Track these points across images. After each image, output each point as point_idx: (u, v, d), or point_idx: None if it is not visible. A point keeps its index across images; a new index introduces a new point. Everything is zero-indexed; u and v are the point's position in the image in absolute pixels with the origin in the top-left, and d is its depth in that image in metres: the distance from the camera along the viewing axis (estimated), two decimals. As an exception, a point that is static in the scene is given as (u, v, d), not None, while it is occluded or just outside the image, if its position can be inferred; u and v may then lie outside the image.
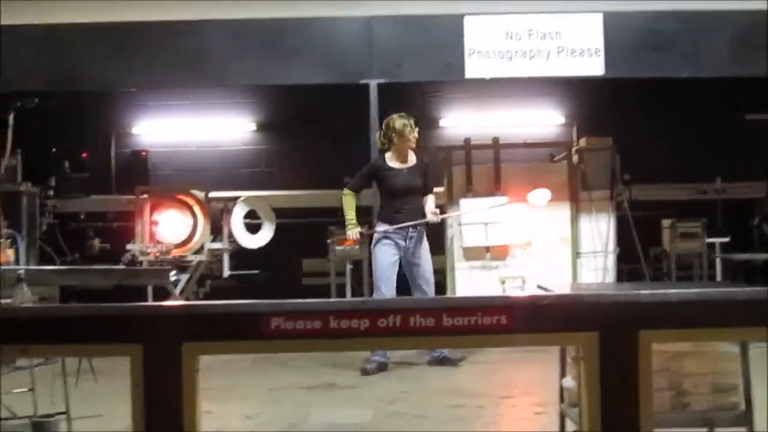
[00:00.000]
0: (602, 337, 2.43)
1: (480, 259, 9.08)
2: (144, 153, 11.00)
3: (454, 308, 2.47)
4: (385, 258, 7.15)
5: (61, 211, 10.61)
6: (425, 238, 7.32)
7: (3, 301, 4.34)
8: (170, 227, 8.95)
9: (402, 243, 7.14)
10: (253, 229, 9.32)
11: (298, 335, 2.50)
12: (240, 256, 9.47)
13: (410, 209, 7.18)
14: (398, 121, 7.20)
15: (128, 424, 5.21)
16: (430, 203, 7.36)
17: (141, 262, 8.85)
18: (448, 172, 9.32)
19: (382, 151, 7.43)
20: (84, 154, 10.71)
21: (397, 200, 7.23)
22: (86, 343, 2.56)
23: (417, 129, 7.31)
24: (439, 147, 9.74)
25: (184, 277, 8.79)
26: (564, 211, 9.04)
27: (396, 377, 6.88)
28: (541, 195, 7.81)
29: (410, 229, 7.14)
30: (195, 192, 9.13)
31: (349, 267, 9.81)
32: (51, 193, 10.42)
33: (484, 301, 2.57)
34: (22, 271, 4.22)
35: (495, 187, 9.07)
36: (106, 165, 11.06)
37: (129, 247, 8.95)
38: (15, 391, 5.00)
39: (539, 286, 4.66)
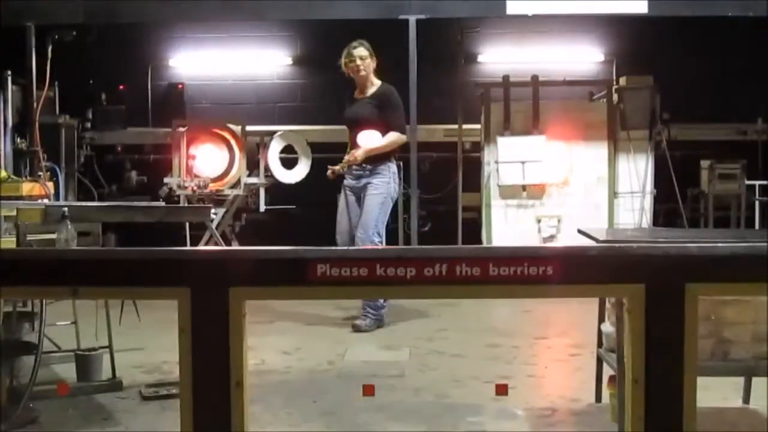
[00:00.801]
0: (649, 290, 2.42)
1: (516, 197, 9.05)
2: (180, 86, 10.98)
3: (501, 258, 2.46)
4: (339, 204, 6.88)
5: (98, 144, 10.68)
6: (378, 179, 6.62)
7: (47, 236, 4.39)
8: (207, 161, 8.96)
9: (352, 183, 6.73)
10: (289, 164, 9.32)
11: (344, 282, 2.50)
12: (276, 190, 9.48)
13: (359, 145, 6.63)
14: (344, 50, 6.78)
15: (169, 356, 5.32)
16: (374, 141, 6.58)
17: (178, 196, 8.90)
18: (486, 109, 9.25)
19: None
20: (121, 87, 10.73)
21: (350, 134, 6.83)
22: (135, 286, 2.58)
23: (367, 57, 6.73)
24: (476, 83, 9.63)
25: (221, 211, 8.83)
26: (602, 150, 8.97)
27: (434, 316, 6.92)
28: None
29: (354, 168, 6.64)
30: (232, 126, 9.12)
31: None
32: (88, 125, 10.49)
33: (531, 251, 2.56)
34: (65, 209, 4.26)
35: (533, 125, 9.00)
36: (142, 97, 11.05)
37: (166, 180, 8.98)
38: (58, 323, 5.10)
39: (580, 231, 4.64)
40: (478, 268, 2.46)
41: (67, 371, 4.97)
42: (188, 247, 2.59)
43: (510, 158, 8.88)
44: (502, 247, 2.49)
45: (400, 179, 7.34)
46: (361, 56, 6.71)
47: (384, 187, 6.61)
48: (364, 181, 6.61)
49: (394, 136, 6.65)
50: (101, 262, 2.55)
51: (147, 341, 5.80)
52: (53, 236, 4.40)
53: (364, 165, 6.59)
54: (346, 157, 6.65)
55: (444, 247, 2.57)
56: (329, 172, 6.81)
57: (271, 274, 2.59)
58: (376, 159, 6.61)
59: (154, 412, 4.45)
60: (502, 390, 2.73)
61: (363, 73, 6.72)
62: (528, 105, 9.09)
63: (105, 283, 2.57)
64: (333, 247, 2.47)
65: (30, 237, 4.52)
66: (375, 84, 6.82)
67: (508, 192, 9.07)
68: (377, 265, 2.52)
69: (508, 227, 9.05)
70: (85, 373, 4.84)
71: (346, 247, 2.46)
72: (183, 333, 2.54)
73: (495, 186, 9.08)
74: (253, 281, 2.58)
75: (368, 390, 2.67)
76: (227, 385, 2.52)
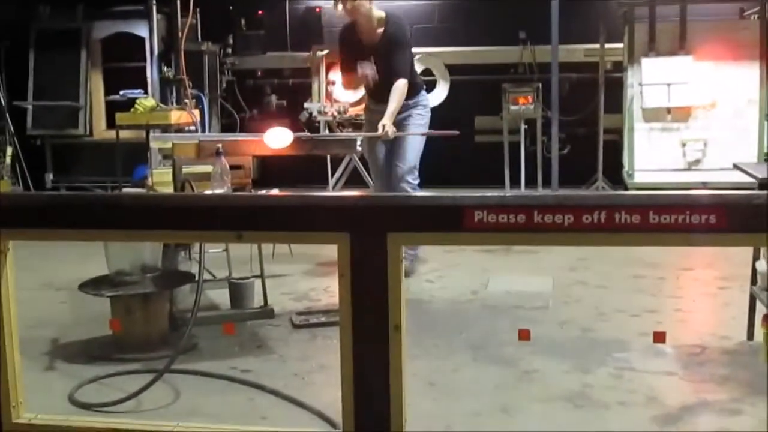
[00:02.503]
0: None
1: (660, 120, 8.82)
2: (318, 9, 11.02)
3: (662, 206, 2.42)
4: (364, 145, 5.91)
5: (238, 69, 10.90)
6: (418, 110, 6.03)
7: (202, 170, 4.55)
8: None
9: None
10: (428, 86, 9.30)
11: (501, 229, 2.51)
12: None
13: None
14: None
15: (315, 284, 5.48)
16: (390, 105, 5.71)
17: (318, 121, 9.04)
18: (629, 29, 8.98)
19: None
20: (260, 12, 10.86)
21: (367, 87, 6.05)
22: (295, 231, 2.65)
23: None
24: (619, 2, 9.32)
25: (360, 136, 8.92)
26: (753, 71, 8.61)
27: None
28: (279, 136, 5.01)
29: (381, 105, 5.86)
30: (370, 51, 9.14)
31: (523, 127, 9.72)
32: (229, 51, 10.71)
33: (693, 198, 2.51)
34: (220, 145, 4.39)
35: (679, 45, 8.70)
36: (281, 22, 11.13)
37: (306, 105, 9.12)
38: (211, 251, 5.30)
39: (736, 166, 4.51)
40: (638, 215, 2.43)
41: (220, 297, 5.20)
42: (348, 193, 2.64)
43: (655, 80, 8.63)
44: (662, 195, 2.44)
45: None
46: None
47: (425, 117, 6.08)
48: (404, 113, 5.92)
49: (402, 86, 5.77)
50: (264, 208, 2.64)
51: (293, 268, 5.99)
52: (207, 169, 4.56)
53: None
54: (381, 131, 5.70)
55: (603, 194, 2.55)
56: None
57: (427, 220, 2.63)
58: (411, 92, 5.90)
59: (305, 340, 4.61)
60: (660, 338, 2.71)
61: (366, 14, 5.80)
62: (674, 24, 8.78)
63: (267, 227, 2.65)
64: (490, 194, 2.48)
65: (185, 169, 4.71)
66: (380, 20, 5.86)
67: (652, 115, 8.85)
68: (535, 212, 2.52)
69: (651, 151, 8.84)
70: (238, 300, 5.04)
71: (503, 194, 2.45)
72: (342, 277, 2.60)
73: (638, 108, 8.86)
74: (410, 227, 2.62)
75: (524, 335, 2.70)
76: (386, 329, 2.58)
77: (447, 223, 2.57)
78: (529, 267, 6.22)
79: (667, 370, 4.03)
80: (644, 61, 8.71)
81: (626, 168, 9.07)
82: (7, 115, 9.76)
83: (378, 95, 5.94)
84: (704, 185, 8.26)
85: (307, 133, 5.65)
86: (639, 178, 8.83)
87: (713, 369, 4.05)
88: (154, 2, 9.49)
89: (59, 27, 10.13)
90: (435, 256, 6.46)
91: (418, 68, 9.10)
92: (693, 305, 5.26)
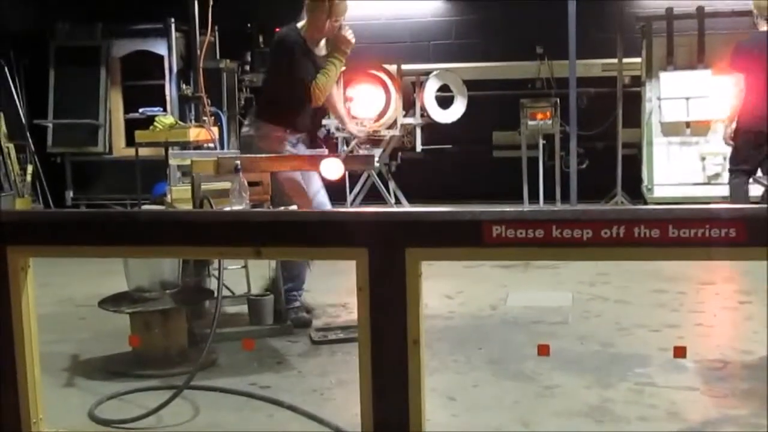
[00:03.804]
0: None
1: (679, 134, 8.80)
2: (335, 25, 11.07)
3: (681, 220, 2.41)
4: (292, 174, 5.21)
5: (257, 86, 10.92)
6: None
7: (220, 186, 4.57)
8: (364, 102, 9.05)
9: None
10: (445, 102, 9.32)
11: (520, 243, 2.51)
12: (432, 129, 9.51)
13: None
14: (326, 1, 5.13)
15: (334, 299, 5.47)
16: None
17: (336, 138, 9.06)
18: (648, 43, 8.98)
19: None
20: (277, 29, 10.89)
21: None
22: (314, 247, 2.66)
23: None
24: (637, 16, 9.32)
25: (378, 152, 8.93)
26: (773, 84, 8.55)
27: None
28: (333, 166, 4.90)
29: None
30: (387, 67, 9.16)
31: (541, 141, 9.71)
32: (247, 68, 10.75)
33: (713, 212, 2.50)
34: (238, 162, 4.42)
35: (698, 59, 8.68)
36: (298, 38, 11.19)
37: (325, 122, 9.14)
38: (230, 267, 5.32)
39: (755, 179, 4.49)
40: (657, 230, 2.43)
41: (239, 311, 5.22)
42: (366, 209, 2.65)
43: (673, 94, 8.61)
44: (681, 209, 2.44)
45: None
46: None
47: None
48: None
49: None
50: (283, 223, 2.65)
51: (311, 283, 5.99)
52: (226, 185, 4.58)
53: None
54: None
55: (622, 208, 2.55)
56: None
57: (446, 235, 2.63)
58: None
59: (325, 356, 4.61)
60: (680, 353, 2.70)
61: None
62: (692, 38, 8.77)
63: (286, 243, 2.66)
64: (508, 209, 2.48)
65: (204, 186, 4.73)
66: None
67: (671, 129, 8.84)
68: (554, 226, 2.51)
69: (670, 165, 8.82)
70: (258, 316, 5.06)
71: (522, 209, 2.46)
72: (361, 292, 2.61)
73: (657, 123, 8.84)
74: (429, 242, 2.62)
75: (543, 350, 2.69)
76: (405, 344, 2.58)
77: (466, 238, 2.57)
78: (548, 282, 6.21)
79: (688, 385, 4.01)
80: (663, 75, 8.69)
81: (645, 182, 9.05)
82: (28, 133, 9.85)
83: (302, 123, 5.32)
84: (724, 199, 8.22)
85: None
86: (658, 192, 8.80)
87: (735, 384, 4.02)
88: (173, 20, 9.57)
89: (79, 45, 10.23)
90: (453, 272, 6.44)
91: (436, 84, 9.15)
92: (714, 320, 5.23)
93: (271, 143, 5.11)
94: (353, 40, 5.34)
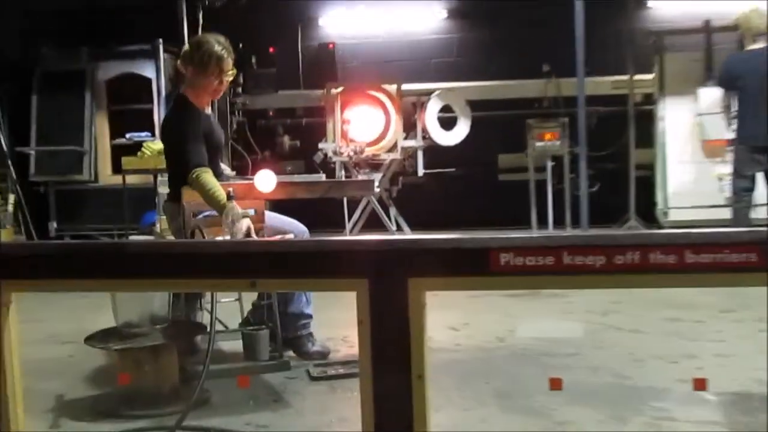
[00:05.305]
0: None
1: (695, 154, 8.80)
2: (331, 45, 11.14)
3: (698, 244, 2.41)
4: None
5: (250, 109, 11.00)
6: None
7: (213, 214, 4.57)
8: (362, 125, 9.08)
9: None
10: (447, 123, 9.34)
11: (529, 271, 2.50)
12: (434, 152, 9.53)
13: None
14: (213, 52, 4.89)
15: (332, 332, 5.45)
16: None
17: (333, 162, 9.08)
18: (660, 59, 9.02)
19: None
20: (271, 49, 10.98)
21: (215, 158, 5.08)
22: (313, 278, 2.65)
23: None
24: (648, 31, 9.36)
25: (377, 177, 8.95)
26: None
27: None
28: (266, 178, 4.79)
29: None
30: (386, 87, 9.20)
31: (549, 164, 9.72)
32: (240, 90, 10.81)
33: (732, 236, 2.49)
34: (231, 190, 4.43)
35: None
36: (293, 59, 11.27)
37: (321, 146, 9.17)
38: (223, 300, 5.31)
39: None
40: (674, 255, 2.42)
41: (233, 347, 5.20)
42: (366, 238, 2.64)
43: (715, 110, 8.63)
44: (699, 233, 2.43)
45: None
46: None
47: None
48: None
49: None
50: (279, 254, 2.64)
51: (322, 315, 5.98)
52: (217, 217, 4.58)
53: None
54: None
55: (636, 233, 2.54)
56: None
57: (451, 263, 2.62)
58: None
59: (323, 392, 4.59)
60: (700, 385, 2.68)
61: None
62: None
63: (282, 275, 2.65)
64: (516, 235, 2.48)
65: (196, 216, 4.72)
66: None
67: (686, 148, 8.83)
68: (564, 253, 2.51)
69: (685, 187, 8.82)
70: (253, 351, 5.04)
71: (530, 235, 2.46)
72: (362, 324, 2.60)
73: (672, 142, 8.86)
74: (433, 271, 2.61)
75: (555, 384, 2.68)
76: (408, 379, 2.56)
77: (471, 267, 2.56)
78: (558, 311, 6.20)
79: (709, 419, 3.99)
80: (701, 90, 8.69)
81: (660, 205, 9.05)
82: (9, 161, 9.87)
83: None
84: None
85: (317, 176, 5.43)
86: (674, 215, 8.80)
87: (758, 417, 4.00)
88: (161, 41, 9.61)
89: (63, 68, 10.26)
90: (459, 302, 6.44)
91: (438, 105, 9.18)
92: (734, 349, 5.22)
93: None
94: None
